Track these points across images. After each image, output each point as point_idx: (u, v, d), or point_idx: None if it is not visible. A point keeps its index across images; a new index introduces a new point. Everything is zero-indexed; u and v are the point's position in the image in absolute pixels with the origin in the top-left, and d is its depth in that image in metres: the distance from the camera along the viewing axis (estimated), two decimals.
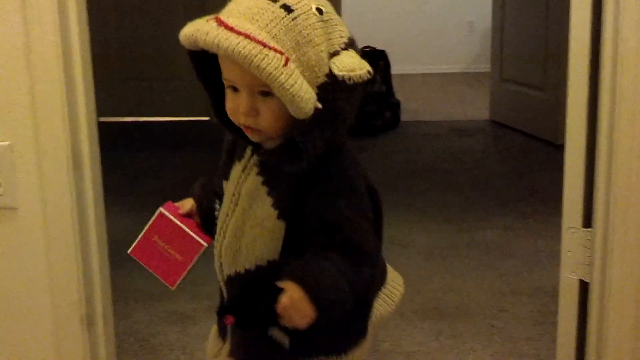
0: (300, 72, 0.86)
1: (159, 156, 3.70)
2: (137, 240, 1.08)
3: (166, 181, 3.17)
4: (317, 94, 0.87)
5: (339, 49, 0.90)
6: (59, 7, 1.28)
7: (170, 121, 4.58)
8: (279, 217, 0.93)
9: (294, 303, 0.87)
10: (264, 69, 0.83)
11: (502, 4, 4.11)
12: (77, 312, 1.39)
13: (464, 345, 1.76)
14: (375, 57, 4.30)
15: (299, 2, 0.89)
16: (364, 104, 4.04)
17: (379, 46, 4.39)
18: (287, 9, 0.87)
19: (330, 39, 0.90)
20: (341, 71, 0.88)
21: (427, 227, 2.59)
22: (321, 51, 0.88)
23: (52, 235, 1.36)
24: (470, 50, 6.41)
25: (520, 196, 2.92)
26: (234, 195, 0.98)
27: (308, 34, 0.87)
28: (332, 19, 0.91)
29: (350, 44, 0.92)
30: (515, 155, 3.62)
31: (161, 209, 1.07)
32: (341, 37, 0.91)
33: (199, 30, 0.86)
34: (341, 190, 0.93)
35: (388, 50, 4.37)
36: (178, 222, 1.06)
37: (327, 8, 0.92)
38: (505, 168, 3.45)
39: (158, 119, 4.60)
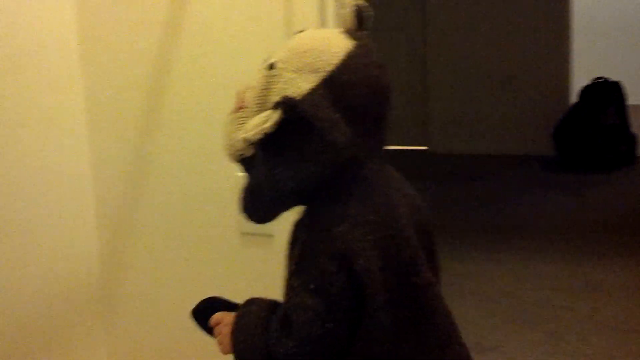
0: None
1: None
2: None
3: None
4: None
5: (270, 107, 0.86)
6: None
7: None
8: None
9: (220, 326, 0.97)
10: None
11: None
12: None
13: None
14: (608, 88, 4.05)
15: (272, 56, 0.91)
16: (595, 137, 3.80)
17: (613, 77, 4.13)
18: (270, 66, 0.90)
19: (267, 96, 0.89)
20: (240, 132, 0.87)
21: None
22: (255, 105, 0.89)
23: None
24: None
25: None
26: None
27: (259, 91, 0.90)
28: (280, 76, 0.88)
29: (281, 104, 0.85)
30: None
31: None
32: (277, 95, 0.87)
33: None
34: (301, 256, 0.90)
35: (623, 81, 4.09)
36: None
37: (289, 64, 0.88)
38: None
39: None
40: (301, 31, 0.94)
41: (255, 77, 0.91)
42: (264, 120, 0.84)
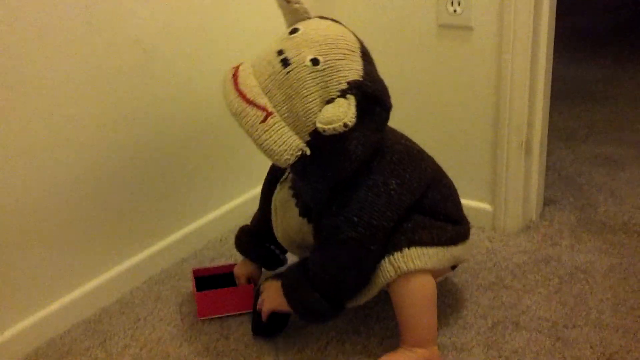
0: (291, 123, 0.94)
1: None
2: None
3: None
4: (310, 140, 0.95)
5: (335, 96, 0.93)
6: None
7: None
8: (308, 222, 1.10)
9: (269, 291, 1.13)
10: (243, 125, 0.94)
11: None
12: (517, 137, 1.42)
13: None
14: None
15: (297, 54, 0.95)
16: None
17: None
18: (285, 63, 0.95)
19: (326, 87, 0.94)
20: (319, 123, 0.91)
21: None
22: (310, 102, 0.94)
23: (505, 58, 1.37)
24: None
25: None
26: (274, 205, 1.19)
27: (297, 87, 0.94)
28: (332, 67, 0.94)
29: (351, 89, 0.94)
30: None
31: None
32: (339, 83, 0.94)
33: (224, 76, 0.98)
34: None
35: None
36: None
37: (331, 54, 0.94)
38: None
39: None
40: (295, 29, 0.98)
41: (277, 75, 0.95)
42: (346, 107, 0.91)
